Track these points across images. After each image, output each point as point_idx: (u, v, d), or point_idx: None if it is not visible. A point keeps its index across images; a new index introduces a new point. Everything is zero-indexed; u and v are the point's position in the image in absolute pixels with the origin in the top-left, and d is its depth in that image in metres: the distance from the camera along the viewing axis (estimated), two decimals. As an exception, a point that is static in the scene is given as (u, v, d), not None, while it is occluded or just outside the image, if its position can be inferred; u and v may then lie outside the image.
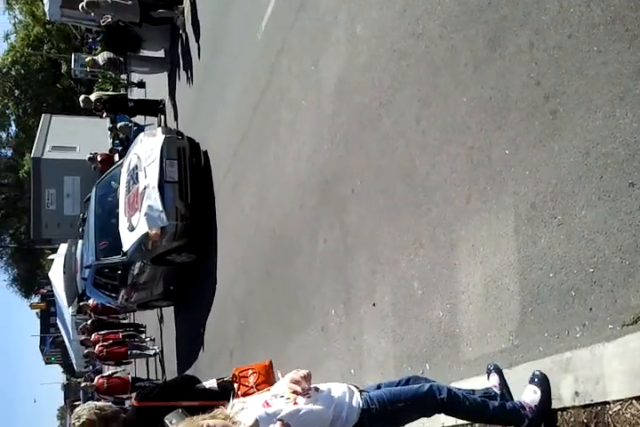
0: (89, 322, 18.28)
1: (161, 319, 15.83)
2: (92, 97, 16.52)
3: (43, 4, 26.87)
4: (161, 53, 15.74)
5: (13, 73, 43.08)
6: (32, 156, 25.51)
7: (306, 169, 6.10)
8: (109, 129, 19.01)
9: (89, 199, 13.28)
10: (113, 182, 12.09)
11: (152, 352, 16.31)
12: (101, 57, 15.99)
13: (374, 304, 4.71)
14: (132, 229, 10.45)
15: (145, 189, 10.05)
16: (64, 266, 16.50)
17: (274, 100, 7.22)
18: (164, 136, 10.67)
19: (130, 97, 18.53)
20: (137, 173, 10.61)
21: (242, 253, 8.33)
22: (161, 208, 9.76)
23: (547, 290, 2.99)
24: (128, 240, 10.58)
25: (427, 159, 4.08)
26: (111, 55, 15.86)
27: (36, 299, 55.88)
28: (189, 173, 10.46)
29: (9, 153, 49.21)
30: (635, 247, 2.53)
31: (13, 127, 47.72)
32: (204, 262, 10.53)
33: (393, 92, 4.56)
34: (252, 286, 7.91)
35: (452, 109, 3.85)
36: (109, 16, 13.35)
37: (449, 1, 3.94)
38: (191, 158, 10.79)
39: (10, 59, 42.69)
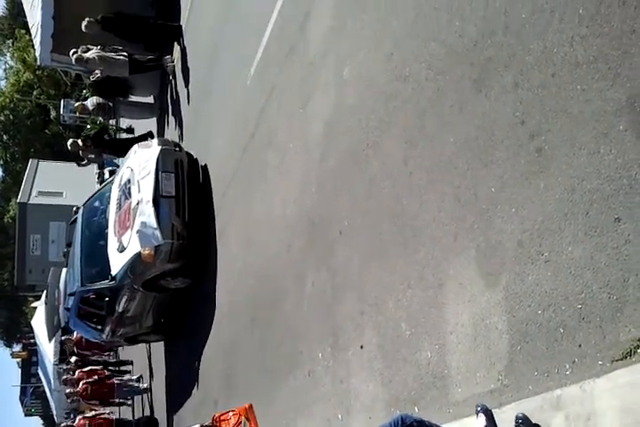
0: (72, 360, 17.47)
1: (150, 357, 14.77)
2: (80, 141, 16.59)
3: (34, 50, 27.21)
4: (150, 99, 15.89)
5: (2, 118, 43.31)
6: (18, 200, 25.45)
7: (293, 211, 6.11)
8: (97, 174, 19.02)
9: (75, 221, 12.14)
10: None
11: (143, 387, 15.15)
12: (90, 102, 16.13)
13: (362, 347, 4.65)
14: (122, 249, 9.44)
15: (138, 204, 9.13)
16: (46, 296, 15.62)
17: (262, 144, 7.27)
18: (160, 147, 9.72)
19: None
20: (129, 188, 9.67)
21: (228, 295, 8.27)
22: (155, 225, 8.82)
23: (535, 327, 2.97)
24: (117, 262, 9.57)
25: (414, 199, 4.10)
26: (100, 100, 16.00)
27: (17, 348, 54.93)
28: (187, 187, 9.55)
29: (-5, 198, 49.08)
30: (622, 282, 2.53)
31: (0, 172, 47.77)
32: (200, 290, 9.70)
33: (380, 133, 4.61)
34: (237, 330, 7.82)
35: (438, 149, 3.89)
36: (98, 71, 13.52)
37: (435, 44, 4.01)
38: (189, 172, 9.83)
39: (-1, 104, 43.04)
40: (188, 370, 10.16)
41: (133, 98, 16.83)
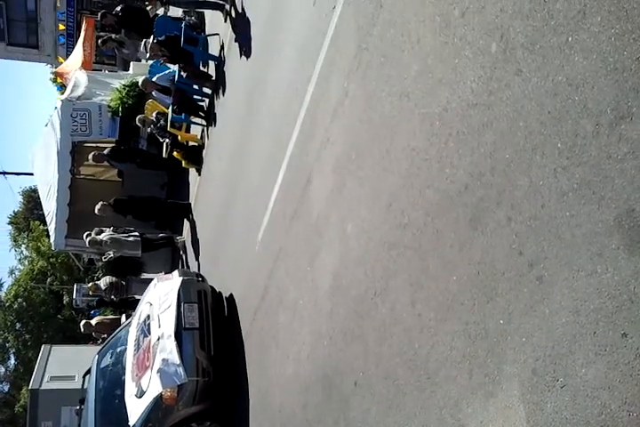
0: None
1: None
2: (93, 322, 16.70)
3: (48, 238, 28.17)
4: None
5: (16, 306, 43.71)
6: (30, 387, 24.94)
7: (306, 367, 6.05)
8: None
9: (89, 372, 11.13)
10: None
11: None
12: (103, 282, 16.49)
13: None
14: (141, 394, 8.38)
15: (158, 339, 8.38)
16: None
17: (272, 305, 7.35)
18: (181, 278, 9.25)
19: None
20: (149, 324, 8.96)
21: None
22: (178, 361, 7.96)
23: (562, 458, 2.87)
24: (136, 410, 8.43)
25: (425, 341, 4.11)
26: (113, 279, 16.36)
27: None
28: (212, 319, 8.86)
29: (6, 388, 48.15)
30: (639, 398, 2.50)
31: (12, 360, 47.26)
32: None
33: (386, 280, 4.72)
34: None
35: (443, 289, 3.97)
36: (111, 252, 13.99)
37: (429, 191, 4.25)
38: (213, 305, 9.24)
39: (13, 292, 43.61)
40: None
41: (145, 275, 17.20)
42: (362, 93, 5.46)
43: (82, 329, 16.51)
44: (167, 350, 8.12)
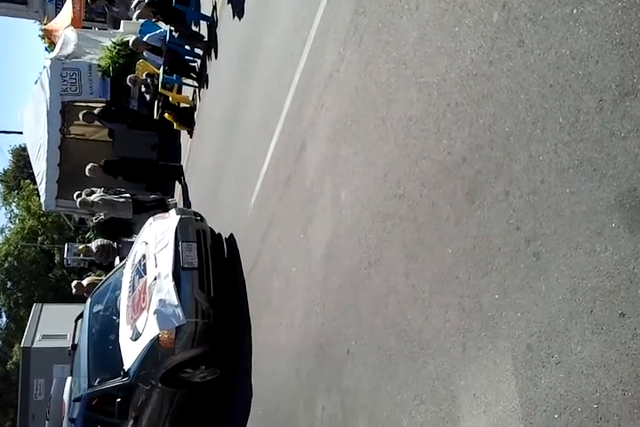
0: None
1: None
2: (85, 282, 16.68)
3: (38, 197, 28.02)
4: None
5: (6, 266, 43.69)
6: (22, 345, 25.16)
7: (299, 335, 6.07)
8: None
9: (81, 316, 10.78)
10: None
11: None
12: (94, 244, 16.42)
13: (378, 472, 4.47)
14: (136, 337, 8.05)
15: (155, 280, 8.02)
16: (47, 412, 13.50)
17: (265, 270, 7.35)
18: (178, 217, 8.87)
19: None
20: (144, 264, 8.58)
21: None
22: (176, 302, 7.60)
23: (554, 433, 2.89)
24: (131, 354, 8.12)
25: (419, 312, 4.11)
26: (104, 242, 16.30)
27: None
28: (211, 259, 8.52)
29: (-2, 345, 48.45)
30: (635, 377, 2.50)
31: (4, 318, 47.47)
32: (228, 388, 8.28)
33: (380, 250, 4.70)
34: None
35: (438, 261, 3.95)
36: (102, 214, 13.88)
37: (426, 162, 4.20)
38: (212, 244, 8.90)
39: (4, 251, 43.54)
40: None
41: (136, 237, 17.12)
42: (358, 59, 5.36)
43: (73, 290, 16.49)
44: (164, 290, 7.77)
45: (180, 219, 8.79)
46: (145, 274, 8.39)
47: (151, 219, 9.59)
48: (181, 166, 14.36)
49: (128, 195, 13.83)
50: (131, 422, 8.89)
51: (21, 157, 46.44)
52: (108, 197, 13.72)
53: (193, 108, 13.64)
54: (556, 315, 2.95)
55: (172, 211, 9.39)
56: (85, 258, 20.59)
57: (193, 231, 8.68)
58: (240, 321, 7.98)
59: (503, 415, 3.24)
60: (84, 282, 16.76)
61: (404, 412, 4.15)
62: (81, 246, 17.77)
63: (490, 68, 3.61)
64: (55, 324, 25.23)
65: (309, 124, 6.33)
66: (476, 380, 3.49)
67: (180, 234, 8.48)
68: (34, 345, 24.96)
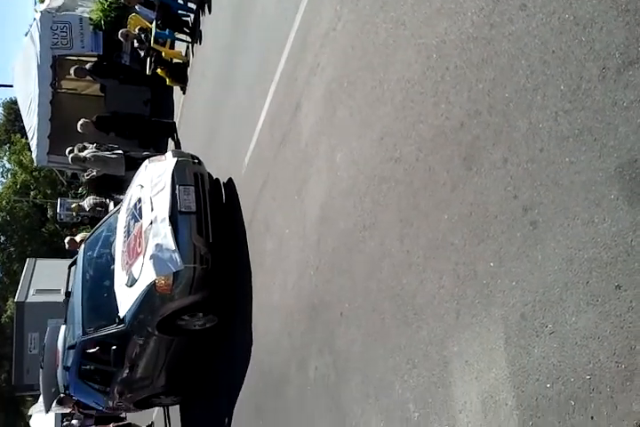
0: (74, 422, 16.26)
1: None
2: (78, 238, 16.67)
3: (30, 152, 27.79)
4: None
5: (-1, 220, 43.69)
6: (15, 300, 25.32)
7: (292, 296, 6.09)
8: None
9: (74, 263, 10.39)
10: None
11: None
12: (87, 202, 16.36)
13: (370, 432, 4.53)
14: (132, 283, 7.80)
15: (151, 224, 7.68)
16: (42, 360, 13.15)
17: (259, 231, 7.33)
18: (175, 159, 8.47)
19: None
20: (140, 208, 8.19)
21: (228, 388, 8.08)
22: (173, 246, 7.30)
23: (545, 401, 2.91)
24: (127, 300, 7.89)
25: (413, 277, 4.10)
26: (97, 199, 16.23)
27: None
28: (209, 203, 8.21)
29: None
30: (629, 350, 2.51)
31: (-2, 273, 47.68)
32: (226, 335, 8.19)
33: (375, 214, 4.67)
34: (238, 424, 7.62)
35: (434, 227, 3.93)
36: (94, 170, 13.73)
37: (423, 126, 4.14)
38: (211, 189, 8.58)
39: (-4, 206, 43.51)
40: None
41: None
42: (355, 18, 5.24)
43: (66, 246, 16.50)
44: (161, 234, 7.45)
45: (177, 161, 8.42)
46: (140, 218, 8.06)
47: (147, 161, 9.20)
48: (174, 123, 14.19)
49: (120, 151, 13.68)
50: (126, 371, 8.79)
51: (12, 111, 45.88)
52: (101, 153, 13.55)
53: (186, 64, 13.42)
54: (552, 285, 2.94)
55: (169, 153, 9.00)
56: (79, 213, 20.53)
57: (190, 174, 8.37)
58: (240, 267, 7.78)
59: (495, 383, 3.26)
60: (77, 238, 16.76)
61: (397, 375, 4.18)
62: (74, 204, 17.72)
63: (491, 32, 3.53)
64: (49, 278, 25.34)
65: (304, 84, 6.23)
66: (468, 346, 3.51)
67: (177, 177, 8.15)
68: (27, 300, 25.12)
